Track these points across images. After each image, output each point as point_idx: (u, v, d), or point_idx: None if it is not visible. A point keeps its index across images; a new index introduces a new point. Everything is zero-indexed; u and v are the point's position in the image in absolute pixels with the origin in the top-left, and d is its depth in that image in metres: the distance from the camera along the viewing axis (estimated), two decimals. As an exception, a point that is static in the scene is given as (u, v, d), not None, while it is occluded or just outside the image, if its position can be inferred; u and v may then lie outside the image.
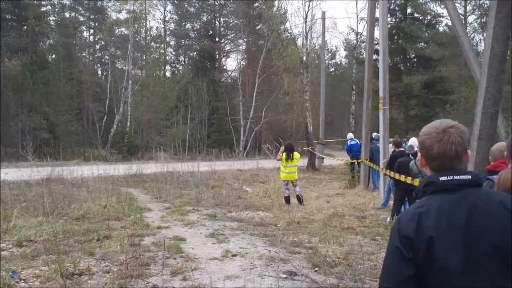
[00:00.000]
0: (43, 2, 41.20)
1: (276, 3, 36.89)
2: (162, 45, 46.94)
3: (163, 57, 47.13)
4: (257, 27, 44.00)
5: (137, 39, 41.39)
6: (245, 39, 44.08)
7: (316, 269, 6.68)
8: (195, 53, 47.97)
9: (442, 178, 1.91)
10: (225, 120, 39.89)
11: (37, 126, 32.68)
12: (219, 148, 30.41)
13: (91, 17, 49.43)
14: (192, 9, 47.92)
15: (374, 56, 19.53)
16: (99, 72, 52.98)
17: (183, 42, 50.64)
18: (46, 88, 33.77)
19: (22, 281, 6.12)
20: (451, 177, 1.90)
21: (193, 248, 7.91)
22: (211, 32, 47.12)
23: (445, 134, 1.93)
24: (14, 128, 32.86)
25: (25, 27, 37.40)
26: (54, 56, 41.50)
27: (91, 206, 10.86)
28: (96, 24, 48.70)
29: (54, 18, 44.19)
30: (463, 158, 1.96)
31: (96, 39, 51.08)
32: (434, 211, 1.86)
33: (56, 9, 45.86)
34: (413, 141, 13.38)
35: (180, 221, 10.32)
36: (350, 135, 19.38)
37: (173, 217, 10.66)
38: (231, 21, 47.24)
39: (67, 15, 47.73)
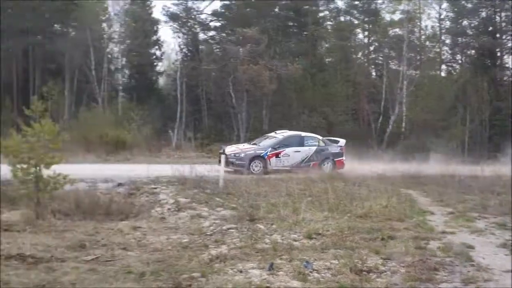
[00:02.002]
0: (320, 8, 43.78)
1: None
2: (437, 44, 45.33)
3: (438, 56, 45.41)
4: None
5: (411, 39, 40.75)
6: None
7: None
8: (473, 51, 44.97)
9: None
10: (510, 121, 36.22)
11: (317, 125, 34.77)
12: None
13: (365, 19, 50.43)
14: (469, 5, 44.99)
15: None
16: (373, 73, 53.81)
17: (459, 40, 47.99)
18: (325, 90, 35.88)
19: (315, 271, 6.48)
20: None
21: (484, 258, 7.41)
22: (491, 28, 43.50)
23: None
24: (295, 127, 35.72)
25: (305, 33, 40.19)
26: (330, 58, 43.70)
27: (372, 205, 10.94)
28: (370, 26, 49.48)
29: (330, 23, 46.46)
30: None
31: (370, 41, 51.91)
32: None
33: (333, 14, 48.15)
34: None
35: (466, 227, 9.71)
36: None
37: (457, 223, 10.10)
38: (515, 14, 42.78)
39: (342, 19, 49.70)
